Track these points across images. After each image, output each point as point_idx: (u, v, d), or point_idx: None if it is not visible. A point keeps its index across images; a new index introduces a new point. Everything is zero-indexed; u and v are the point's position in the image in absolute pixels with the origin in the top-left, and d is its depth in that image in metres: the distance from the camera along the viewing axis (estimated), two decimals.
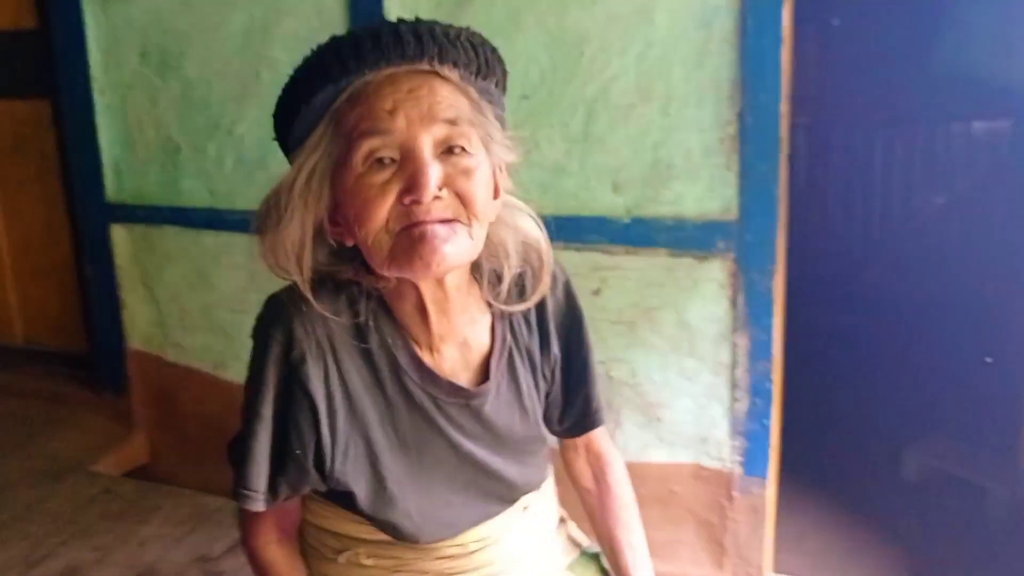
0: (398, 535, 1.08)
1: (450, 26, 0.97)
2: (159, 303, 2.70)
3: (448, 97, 0.94)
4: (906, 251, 3.37)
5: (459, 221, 0.93)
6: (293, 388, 0.98)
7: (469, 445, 1.07)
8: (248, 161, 2.42)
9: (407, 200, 0.90)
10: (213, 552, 1.73)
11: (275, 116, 1.01)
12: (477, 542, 1.12)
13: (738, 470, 2.01)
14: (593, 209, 2.02)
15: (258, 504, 1.02)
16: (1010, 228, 2.92)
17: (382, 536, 1.10)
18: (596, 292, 2.05)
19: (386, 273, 0.97)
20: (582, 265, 2.05)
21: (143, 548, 1.88)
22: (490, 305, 1.08)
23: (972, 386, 2.71)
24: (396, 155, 0.92)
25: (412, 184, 0.90)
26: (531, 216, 1.07)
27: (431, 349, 1.05)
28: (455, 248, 0.92)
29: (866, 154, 3.54)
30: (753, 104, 1.83)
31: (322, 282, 1.00)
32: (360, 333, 1.01)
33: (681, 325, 1.99)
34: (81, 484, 2.19)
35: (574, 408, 1.20)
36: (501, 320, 1.09)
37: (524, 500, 1.18)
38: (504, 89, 1.05)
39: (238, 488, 1.02)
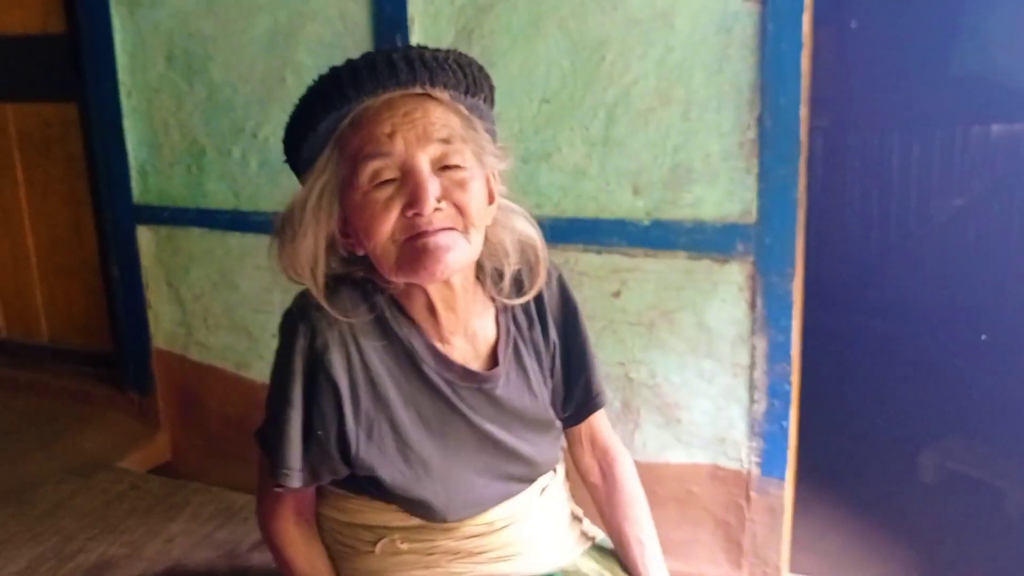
0: (428, 514, 1.15)
1: (439, 50, 1.07)
2: (183, 303, 2.73)
3: (441, 117, 1.04)
4: (924, 254, 3.38)
5: (457, 229, 1.03)
6: (318, 375, 1.06)
7: (487, 426, 1.15)
8: (272, 164, 2.45)
9: (410, 213, 1.01)
10: (240, 548, 1.76)
11: (284, 141, 1.12)
12: (503, 519, 1.19)
13: (756, 471, 2.02)
14: (613, 212, 2.04)
15: (295, 481, 1.09)
16: None
17: (414, 521, 1.16)
18: (616, 294, 2.08)
19: (394, 279, 1.07)
20: (602, 267, 2.07)
21: (172, 544, 1.92)
22: (493, 300, 1.19)
23: (989, 388, 2.71)
24: (397, 174, 1.02)
25: (414, 199, 1.00)
26: (525, 216, 1.17)
27: (443, 341, 1.14)
28: (456, 255, 1.03)
29: (885, 157, 3.54)
30: (773, 108, 1.85)
31: (339, 282, 1.09)
32: (378, 325, 1.10)
33: (700, 327, 2.01)
34: (109, 481, 2.23)
35: (576, 393, 1.28)
36: (504, 313, 1.19)
37: (541, 482, 1.25)
38: (492, 103, 1.15)
39: (276, 468, 1.09)
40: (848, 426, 2.88)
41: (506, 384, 1.17)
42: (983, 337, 2.64)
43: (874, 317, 3.28)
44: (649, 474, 2.12)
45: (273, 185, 2.46)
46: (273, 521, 1.18)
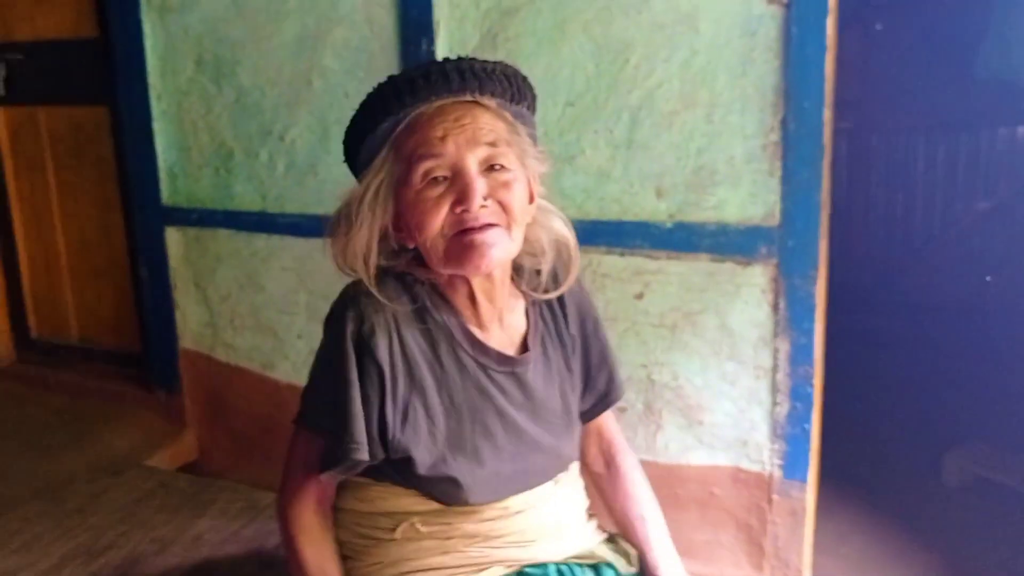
0: (451, 496, 1.20)
1: (487, 61, 1.17)
2: (210, 304, 2.77)
3: (488, 123, 1.14)
4: (948, 256, 3.36)
5: (501, 225, 1.12)
6: (364, 358, 1.14)
7: (513, 413, 1.22)
8: (299, 167, 2.48)
9: (458, 209, 1.11)
10: (268, 545, 1.79)
11: (345, 143, 1.22)
12: (519, 504, 1.25)
13: (778, 473, 2.02)
14: (636, 214, 2.06)
15: (364, 453, 1.15)
16: None
17: (433, 505, 1.22)
18: (639, 296, 2.08)
19: (442, 271, 1.16)
20: (625, 269, 2.08)
21: (200, 540, 1.94)
22: (523, 295, 1.27)
23: (1013, 391, 2.69)
24: (448, 173, 1.12)
25: (462, 196, 1.10)
26: (561, 217, 1.25)
27: (480, 328, 1.22)
28: (500, 250, 1.12)
29: (909, 159, 3.52)
30: (797, 111, 1.85)
31: (384, 275, 1.18)
32: (418, 313, 1.19)
33: (723, 329, 2.02)
34: (138, 478, 2.26)
35: (596, 388, 1.36)
36: (533, 307, 1.28)
37: (557, 476, 1.31)
38: (534, 110, 1.25)
39: (344, 444, 1.14)
40: (871, 429, 2.87)
41: (535, 371, 1.25)
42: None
43: (898, 320, 3.26)
44: (671, 476, 2.13)
45: (299, 187, 2.49)
46: (294, 507, 1.23)
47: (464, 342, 1.20)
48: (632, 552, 1.34)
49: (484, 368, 1.21)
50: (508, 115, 1.18)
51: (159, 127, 2.71)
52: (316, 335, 1.25)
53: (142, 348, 3.07)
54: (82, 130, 3.08)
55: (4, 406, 3.15)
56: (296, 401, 1.28)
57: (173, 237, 2.79)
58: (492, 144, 1.13)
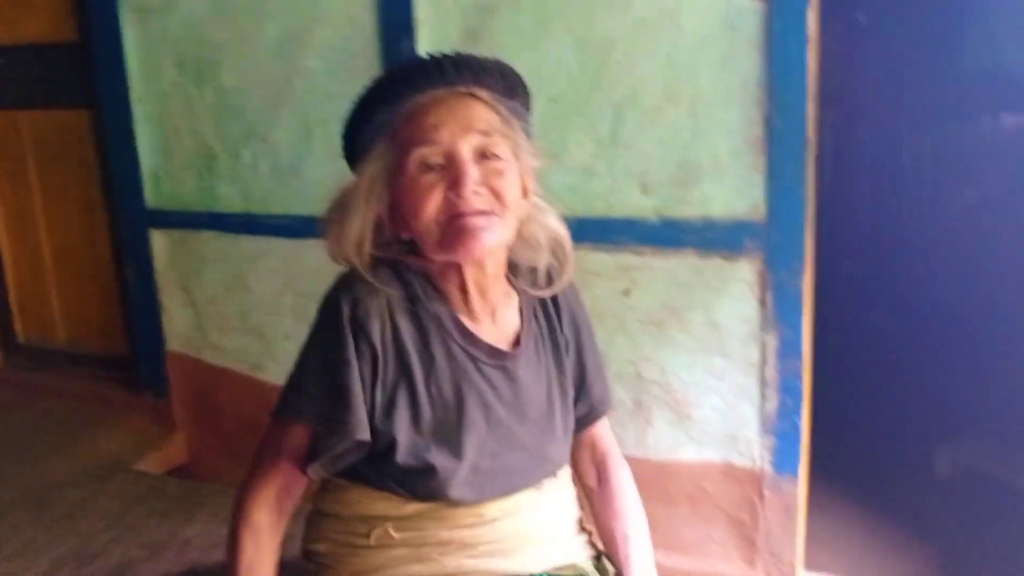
0: (428, 489, 1.19)
1: (483, 57, 1.20)
2: (197, 306, 2.76)
3: (482, 113, 1.16)
4: (935, 248, 3.35)
5: (493, 212, 1.13)
6: (360, 340, 1.15)
7: (500, 410, 1.21)
8: (282, 167, 2.47)
9: (452, 195, 1.12)
10: None
11: (343, 135, 1.23)
12: (497, 510, 1.23)
13: (769, 468, 2.03)
14: (622, 211, 2.05)
15: (364, 433, 1.15)
16: None
17: (408, 509, 1.21)
18: (626, 292, 2.08)
19: (436, 257, 1.17)
20: (611, 266, 2.08)
21: (190, 545, 1.93)
22: (517, 293, 1.27)
23: (1003, 384, 2.69)
24: (442, 160, 1.13)
25: (455, 182, 1.12)
26: (556, 215, 1.26)
27: (472, 319, 1.22)
28: (492, 235, 1.13)
29: (895, 152, 3.52)
30: (780, 105, 1.85)
31: (377, 264, 1.19)
32: (411, 302, 1.19)
33: (710, 324, 2.02)
34: (127, 483, 2.25)
35: (587, 397, 1.34)
36: (527, 307, 1.27)
37: (542, 481, 1.28)
38: (528, 107, 1.26)
39: (347, 425, 1.14)
40: (862, 422, 2.87)
41: (525, 365, 1.24)
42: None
43: (886, 312, 3.26)
44: (661, 472, 2.13)
45: (283, 188, 2.48)
46: (253, 497, 1.19)
47: (455, 332, 1.20)
48: (611, 572, 1.32)
49: (474, 360, 1.21)
50: (502, 108, 1.19)
51: (141, 130, 2.70)
52: (303, 336, 1.22)
53: (129, 351, 3.06)
54: (64, 134, 3.06)
55: None
56: None
57: (158, 240, 2.77)
58: (485, 133, 1.15)
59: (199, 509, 2.11)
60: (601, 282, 2.09)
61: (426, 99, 1.16)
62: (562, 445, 1.30)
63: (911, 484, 2.58)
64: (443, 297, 1.21)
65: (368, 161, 1.19)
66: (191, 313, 2.78)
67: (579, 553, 1.31)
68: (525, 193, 1.21)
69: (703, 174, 1.96)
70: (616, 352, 2.11)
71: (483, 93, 1.18)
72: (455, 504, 1.20)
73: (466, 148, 1.13)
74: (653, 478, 2.14)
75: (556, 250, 1.26)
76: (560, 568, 1.27)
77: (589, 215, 2.08)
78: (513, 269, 1.27)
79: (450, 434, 1.18)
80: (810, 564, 2.12)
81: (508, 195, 1.15)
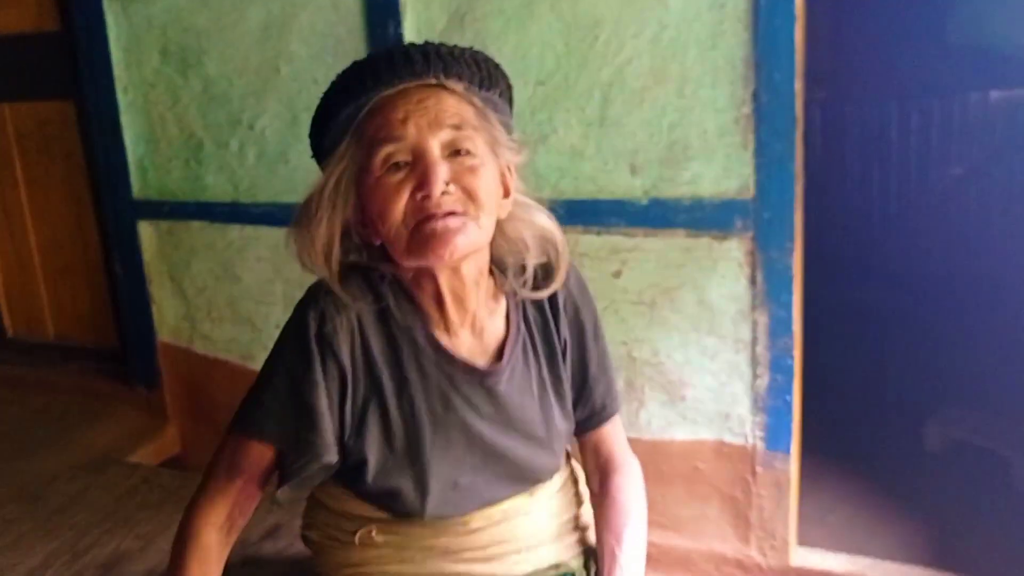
0: (400, 508, 1.15)
1: (455, 46, 1.11)
2: (187, 297, 2.75)
3: (453, 106, 1.08)
4: (924, 224, 3.37)
5: (466, 214, 1.05)
6: (327, 359, 1.09)
7: (480, 425, 1.15)
8: (269, 155, 2.46)
9: (419, 195, 1.04)
10: (251, 538, 1.77)
11: (310, 135, 1.16)
12: (481, 521, 1.18)
13: (761, 445, 2.04)
14: (611, 192, 2.05)
15: (330, 455, 1.11)
16: None
17: (388, 514, 1.17)
18: (616, 274, 2.08)
19: (406, 264, 1.09)
20: (602, 248, 2.08)
21: None
22: (505, 297, 1.19)
23: (992, 357, 2.71)
24: (409, 158, 1.05)
25: (423, 181, 1.03)
26: (544, 212, 1.17)
27: (448, 333, 1.15)
28: (465, 238, 1.05)
29: (883, 128, 3.52)
30: (768, 83, 1.85)
31: (349, 272, 1.12)
32: (383, 316, 1.12)
33: (701, 304, 2.02)
34: (120, 475, 2.24)
35: (589, 400, 1.26)
36: (516, 311, 1.19)
37: (532, 487, 1.23)
38: (509, 99, 1.18)
39: (316, 449, 1.10)
40: (852, 398, 2.89)
41: (509, 381, 1.16)
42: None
43: (876, 289, 3.28)
44: (655, 452, 2.14)
45: (271, 176, 2.47)
46: (201, 519, 1.13)
47: (427, 348, 1.13)
48: None
49: (449, 377, 1.14)
50: (476, 100, 1.11)
51: (127, 120, 2.68)
52: None
53: (119, 343, 3.05)
54: (49, 125, 3.04)
55: None
56: None
57: (146, 231, 2.76)
58: (456, 127, 1.06)
59: None
60: (592, 264, 2.09)
61: (393, 92, 1.08)
62: (554, 453, 1.23)
63: (902, 458, 2.60)
64: (416, 308, 1.14)
65: (333, 160, 1.10)
66: (181, 304, 2.77)
67: (568, 551, 1.27)
68: (507, 191, 1.14)
69: (692, 153, 1.96)
70: (608, 334, 2.07)
71: (455, 84, 1.09)
72: (435, 519, 1.16)
73: (435, 144, 1.05)
74: (646, 458, 2.12)
75: (547, 248, 1.18)
76: (545, 570, 1.23)
77: (579, 197, 2.08)
78: (501, 270, 1.18)
79: (424, 453, 1.12)
80: (803, 540, 2.14)
81: (482, 194, 1.06)
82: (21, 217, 3.20)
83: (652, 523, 2.16)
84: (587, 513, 1.31)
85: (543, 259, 1.18)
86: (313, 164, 1.23)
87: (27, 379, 3.22)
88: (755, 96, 1.87)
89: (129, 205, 2.74)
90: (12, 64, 3.03)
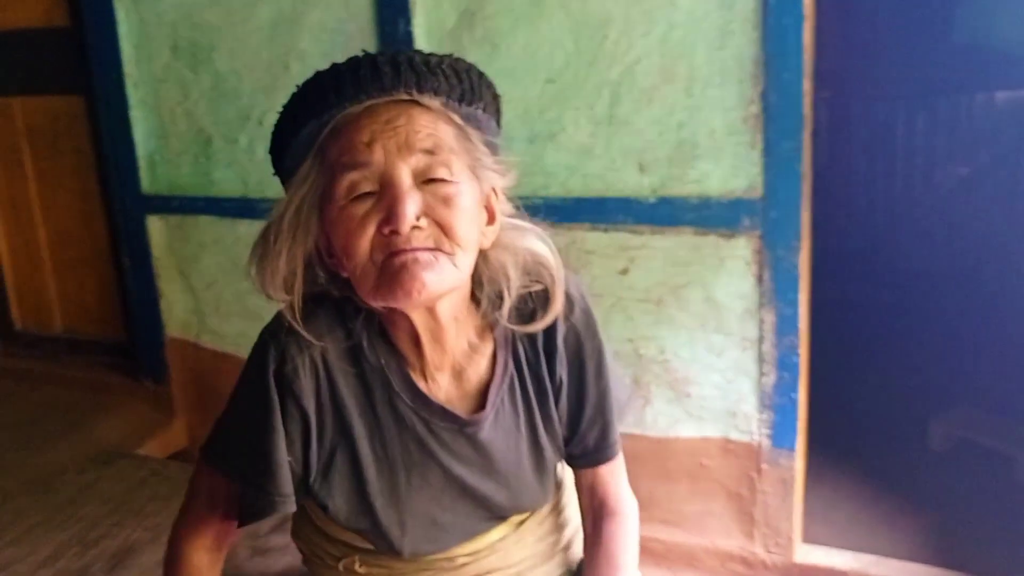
0: (383, 544, 1.09)
1: (432, 55, 0.98)
2: (195, 291, 2.76)
3: (428, 126, 0.95)
4: (931, 223, 3.38)
5: (440, 250, 0.93)
6: (287, 401, 1.01)
7: (459, 469, 1.07)
8: None
9: (386, 230, 0.92)
10: (260, 530, 1.79)
11: (270, 152, 1.04)
12: (467, 556, 1.13)
13: (766, 443, 2.05)
14: (619, 190, 2.06)
15: (291, 506, 1.03)
16: None
17: (372, 547, 1.12)
18: (624, 271, 2.09)
19: (374, 304, 0.98)
20: (609, 245, 2.09)
21: None
22: (493, 333, 1.07)
23: (998, 356, 2.72)
24: (376, 187, 0.93)
25: (390, 215, 0.91)
26: (539, 235, 1.05)
27: (425, 376, 1.05)
28: (437, 277, 0.92)
29: (890, 127, 3.53)
30: (776, 82, 1.86)
31: (320, 301, 1.02)
32: (354, 354, 1.03)
33: (708, 302, 2.03)
34: (130, 468, 2.26)
35: (586, 440, 1.14)
36: (505, 348, 1.08)
37: (517, 518, 1.17)
38: (495, 113, 1.04)
39: (270, 498, 1.02)
40: (858, 397, 2.89)
41: (492, 428, 1.07)
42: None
43: (882, 288, 3.29)
44: (661, 449, 2.15)
45: None
46: (187, 543, 1.10)
47: (403, 392, 1.03)
48: None
49: (426, 422, 1.04)
50: (456, 118, 0.98)
51: (136, 115, 2.69)
52: None
53: (128, 338, 3.06)
54: (59, 120, 3.04)
55: None
56: None
57: (155, 225, 2.77)
58: (430, 151, 0.93)
59: None
60: (599, 261, 2.10)
61: (358, 110, 0.94)
62: (542, 491, 1.15)
63: (907, 456, 2.60)
64: (392, 348, 1.04)
65: (294, 185, 0.97)
66: (189, 298, 2.78)
67: (555, 571, 1.22)
68: (491, 218, 1.02)
69: (700, 152, 1.96)
70: (614, 331, 2.12)
71: (431, 100, 0.96)
72: (417, 557, 1.11)
73: (405, 171, 0.92)
74: (652, 455, 2.16)
75: (541, 276, 1.05)
76: None
77: (587, 195, 2.09)
78: (479, 303, 1.06)
79: (400, 496, 1.05)
80: (808, 537, 2.15)
81: (460, 229, 0.93)
82: (30, 211, 3.21)
83: (657, 519, 2.19)
84: (571, 533, 1.26)
85: (537, 287, 1.05)
86: None
87: (35, 372, 3.24)
88: (763, 95, 1.88)
89: (138, 200, 2.75)
90: (22, 59, 3.04)
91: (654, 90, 1.98)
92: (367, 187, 0.93)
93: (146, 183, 2.74)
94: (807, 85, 1.86)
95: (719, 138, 1.94)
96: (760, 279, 1.97)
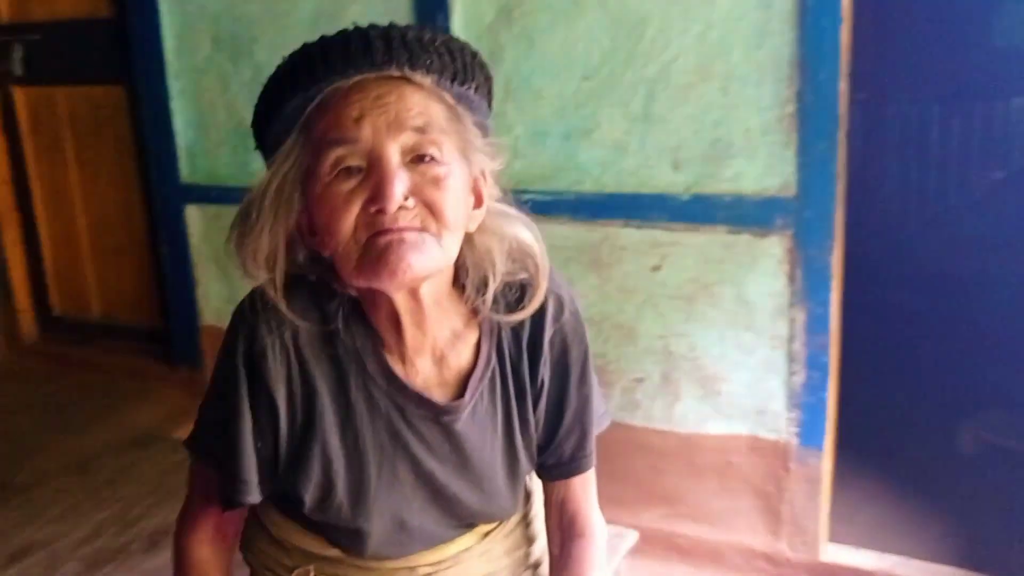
0: (346, 542, 1.07)
1: (425, 30, 0.94)
2: (231, 280, 2.80)
3: (419, 104, 0.92)
4: (964, 226, 3.35)
5: (427, 231, 0.90)
6: (255, 384, 0.98)
7: (431, 463, 1.03)
8: None
9: (372, 209, 0.89)
10: None
11: (252, 125, 1.01)
12: (428, 566, 1.09)
13: (795, 441, 2.05)
14: (653, 187, 2.07)
15: (254, 495, 1.01)
16: None
17: (333, 552, 1.08)
18: (656, 268, 2.11)
19: (355, 284, 0.95)
20: (642, 241, 2.11)
21: None
22: (478, 320, 1.04)
23: None
24: (363, 163, 0.90)
25: (377, 193, 0.88)
26: (524, 223, 1.02)
27: (403, 360, 1.01)
28: (422, 257, 0.90)
29: (926, 129, 3.51)
30: (812, 83, 1.86)
31: (296, 283, 0.98)
32: (329, 338, 0.99)
33: (739, 300, 2.04)
34: (165, 451, 2.31)
35: (561, 448, 1.10)
36: (489, 338, 1.04)
37: (484, 527, 1.13)
38: (487, 95, 1.01)
39: (233, 482, 1.00)
40: (888, 398, 2.88)
41: (470, 419, 1.03)
42: None
43: (914, 289, 3.27)
44: (688, 445, 2.16)
45: None
46: (188, 537, 1.08)
47: (378, 376, 1.00)
48: None
49: (400, 409, 1.01)
50: (448, 97, 0.95)
51: (177, 106, 2.74)
52: None
53: (164, 325, 3.11)
54: (100, 110, 3.11)
55: (30, 383, 3.22)
56: None
57: (193, 214, 2.82)
58: (421, 130, 0.90)
59: None
60: (631, 257, 2.12)
61: (348, 84, 0.91)
62: (512, 498, 1.11)
63: (937, 459, 2.59)
64: (370, 331, 1.00)
65: (277, 160, 0.94)
66: (225, 287, 2.83)
67: None
68: (479, 201, 0.99)
69: (735, 151, 1.97)
70: (645, 327, 2.14)
71: (423, 78, 0.92)
72: (379, 560, 1.07)
73: (394, 149, 0.89)
74: (680, 451, 2.18)
75: (526, 264, 1.02)
76: None
77: (620, 191, 2.10)
78: (471, 290, 1.02)
79: (368, 490, 1.01)
80: (835, 537, 2.15)
81: (448, 210, 0.91)
82: (70, 198, 3.28)
83: (684, 515, 2.20)
84: (540, 550, 1.21)
85: (522, 275, 1.02)
86: None
87: (73, 357, 3.32)
88: (799, 95, 1.88)
89: (177, 189, 2.81)
90: (66, 49, 3.11)
91: (690, 88, 1.99)
92: (354, 162, 0.90)
93: (185, 173, 2.79)
94: (843, 86, 1.86)
95: (754, 137, 1.95)
96: (792, 278, 1.97)
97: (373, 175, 0.89)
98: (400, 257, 0.88)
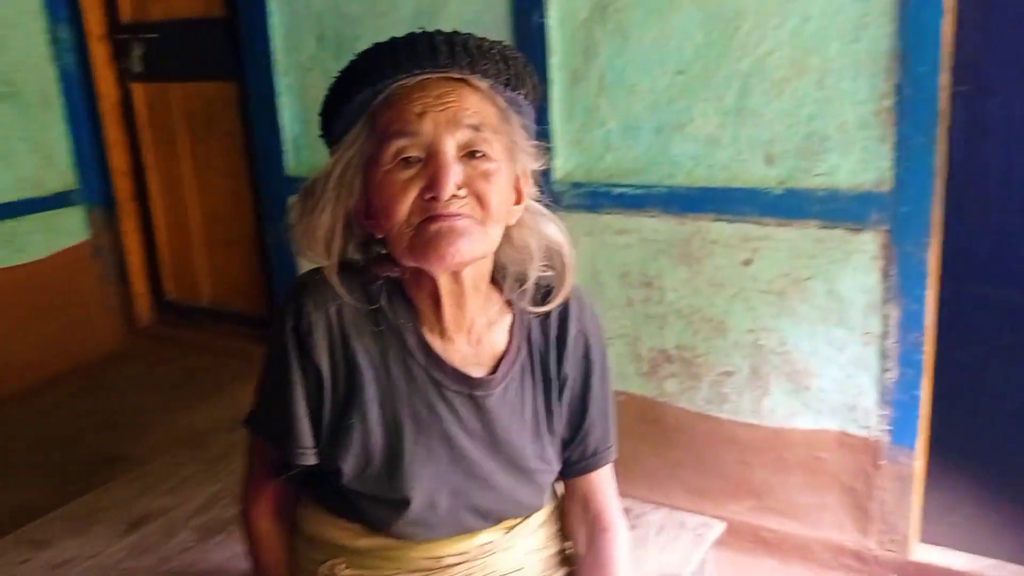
0: (378, 519, 1.11)
1: (485, 39, 1.04)
2: None
3: (475, 104, 1.01)
4: None
5: (475, 219, 0.99)
6: (304, 358, 1.06)
7: (464, 441, 1.09)
8: None
9: (427, 196, 0.98)
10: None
11: (321, 114, 1.12)
12: (454, 556, 1.14)
13: (886, 439, 2.04)
14: (745, 181, 2.08)
15: (311, 458, 1.09)
16: None
17: (360, 542, 1.14)
18: (747, 262, 2.12)
19: (406, 263, 1.03)
20: (733, 236, 2.12)
21: None
22: (511, 310, 1.12)
23: None
24: (422, 154, 0.99)
25: (433, 182, 0.97)
26: (555, 222, 1.11)
27: (443, 337, 1.09)
28: (470, 243, 0.98)
29: None
30: (911, 76, 1.84)
31: (344, 268, 1.06)
32: (371, 315, 1.07)
33: (831, 295, 2.03)
34: None
35: (583, 442, 1.17)
36: (520, 326, 1.12)
37: (508, 522, 1.17)
38: (535, 100, 1.10)
39: (292, 449, 1.08)
40: (984, 398, 2.81)
41: (501, 397, 1.10)
42: None
43: (1014, 288, 3.17)
44: (777, 439, 2.17)
45: None
46: (254, 508, 1.18)
47: (417, 351, 1.07)
48: None
49: (437, 384, 1.08)
50: (500, 100, 1.04)
51: (284, 101, 2.86)
52: None
53: (268, 312, 3.26)
54: (212, 105, 3.26)
55: (145, 363, 3.42)
56: None
57: None
58: (475, 128, 1.00)
59: None
60: (722, 252, 2.13)
61: (412, 83, 1.00)
62: (539, 488, 1.17)
63: None
64: (412, 309, 1.08)
65: (343, 147, 1.05)
66: None
67: None
68: (519, 198, 1.07)
69: (829, 145, 1.97)
70: (735, 321, 2.15)
71: (480, 81, 1.02)
72: (405, 540, 1.12)
73: (451, 144, 0.98)
74: (768, 445, 2.19)
75: (553, 261, 1.11)
76: None
77: (712, 185, 2.12)
78: (504, 278, 1.12)
79: (404, 464, 1.07)
80: (926, 537, 2.12)
81: (494, 202, 1.00)
82: (183, 190, 3.45)
83: (771, 509, 2.21)
84: (568, 549, 1.25)
85: (549, 273, 1.11)
86: None
87: (183, 339, 3.50)
88: (898, 89, 1.86)
89: (283, 181, 2.93)
90: (181, 47, 3.28)
91: (784, 82, 1.99)
92: (414, 153, 0.98)
93: (290, 166, 2.91)
94: (944, 79, 1.84)
95: (850, 131, 1.94)
96: (886, 274, 1.96)
97: (430, 166, 0.98)
98: (450, 242, 0.97)
